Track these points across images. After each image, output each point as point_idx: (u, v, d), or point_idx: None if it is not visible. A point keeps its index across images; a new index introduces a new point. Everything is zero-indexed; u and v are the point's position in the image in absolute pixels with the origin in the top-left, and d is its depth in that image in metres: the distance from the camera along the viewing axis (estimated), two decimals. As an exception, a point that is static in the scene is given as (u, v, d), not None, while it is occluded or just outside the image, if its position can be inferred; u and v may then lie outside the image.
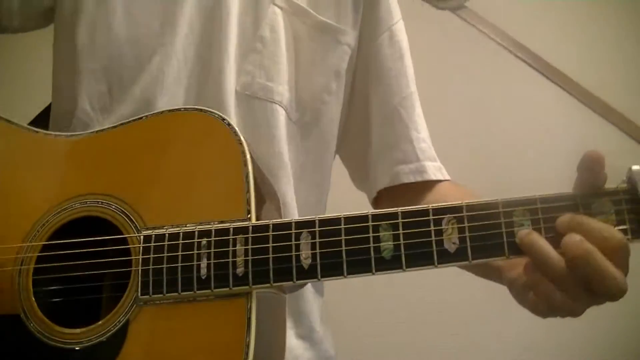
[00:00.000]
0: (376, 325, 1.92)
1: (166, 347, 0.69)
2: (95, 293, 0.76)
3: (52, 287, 0.75)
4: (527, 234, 0.65)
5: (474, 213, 0.67)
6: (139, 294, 0.70)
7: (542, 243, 0.64)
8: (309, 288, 0.94)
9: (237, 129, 0.75)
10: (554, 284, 0.63)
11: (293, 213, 0.89)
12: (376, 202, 1.00)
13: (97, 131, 0.80)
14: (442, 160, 0.99)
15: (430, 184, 0.96)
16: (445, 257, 0.66)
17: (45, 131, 0.82)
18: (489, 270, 0.76)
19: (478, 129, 2.11)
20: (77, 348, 0.71)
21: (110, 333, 0.70)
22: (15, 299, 0.74)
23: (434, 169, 0.96)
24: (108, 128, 0.80)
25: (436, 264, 0.66)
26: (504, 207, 0.67)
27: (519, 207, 0.67)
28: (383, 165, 0.98)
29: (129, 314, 0.70)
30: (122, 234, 0.74)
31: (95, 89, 0.87)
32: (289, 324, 0.92)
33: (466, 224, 0.67)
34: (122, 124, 0.80)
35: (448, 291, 1.92)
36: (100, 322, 0.71)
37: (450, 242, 0.67)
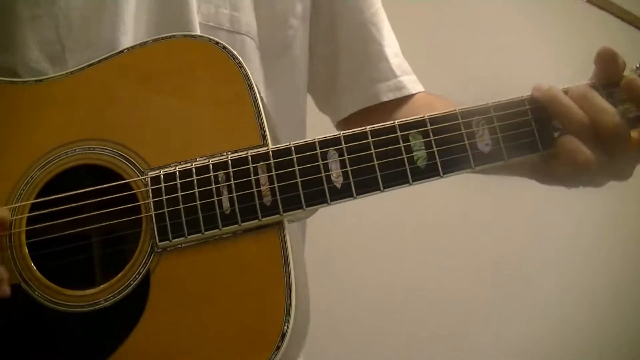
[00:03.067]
0: (375, 325, 1.85)
1: (198, 291, 0.63)
2: (99, 250, 0.68)
3: (51, 249, 0.66)
4: (547, 88, 0.66)
5: (501, 113, 0.66)
6: (157, 241, 0.64)
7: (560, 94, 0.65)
8: None
9: (234, 51, 0.69)
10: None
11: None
12: (344, 124, 0.96)
13: (70, 72, 0.71)
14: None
15: (406, 98, 0.93)
16: (481, 159, 0.65)
17: (6, 79, 0.72)
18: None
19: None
20: (93, 309, 0.64)
21: (130, 287, 0.64)
22: (10, 267, 0.65)
23: (411, 83, 0.93)
24: (83, 67, 0.71)
25: (473, 166, 0.65)
26: (530, 104, 0.66)
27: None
28: (357, 85, 0.93)
29: (149, 264, 0.64)
30: (124, 180, 0.66)
31: (41, 37, 0.77)
32: None
33: (496, 124, 0.65)
34: (99, 61, 0.71)
35: (448, 291, 1.88)
36: (115, 279, 0.64)
37: (483, 143, 0.65)
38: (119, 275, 0.64)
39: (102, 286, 0.64)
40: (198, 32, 0.80)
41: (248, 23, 0.84)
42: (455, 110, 0.66)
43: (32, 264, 0.65)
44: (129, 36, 0.77)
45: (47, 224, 0.66)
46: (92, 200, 0.66)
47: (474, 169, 0.65)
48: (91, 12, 0.77)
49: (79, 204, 0.66)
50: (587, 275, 1.90)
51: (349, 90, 0.94)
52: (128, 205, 0.66)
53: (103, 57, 0.71)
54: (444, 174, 0.65)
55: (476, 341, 1.91)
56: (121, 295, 0.64)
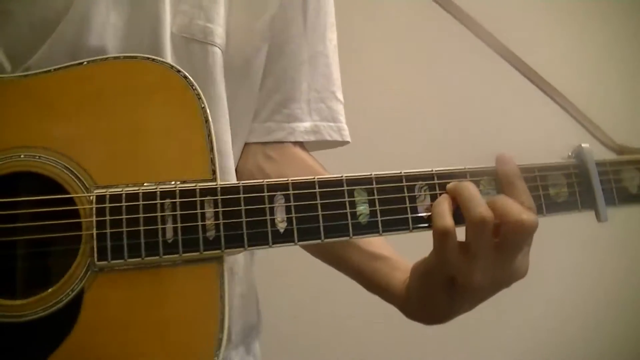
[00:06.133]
0: (374, 325, 1.83)
1: (130, 317, 0.64)
2: (35, 260, 0.67)
3: None
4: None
5: (443, 181, 0.70)
6: (95, 260, 0.64)
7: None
8: None
9: (193, 81, 0.70)
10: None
11: (229, 162, 0.84)
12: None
13: (25, 75, 0.70)
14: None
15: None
16: (420, 222, 0.69)
17: None
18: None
19: (464, 137, 1.99)
20: (17, 321, 0.63)
21: (62, 303, 0.63)
22: None
23: (330, 130, 0.93)
24: (40, 72, 0.69)
25: (411, 228, 0.69)
26: (471, 177, 0.70)
27: (484, 176, 0.71)
28: (278, 117, 0.92)
29: (84, 282, 0.64)
30: (68, 193, 0.66)
31: (13, 32, 0.75)
32: None
33: (437, 192, 0.69)
34: (57, 68, 0.70)
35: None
36: (49, 291, 0.64)
37: (423, 208, 0.69)
38: (51, 289, 0.64)
39: (31, 298, 0.64)
40: (168, 44, 0.79)
41: (220, 35, 0.83)
42: (400, 172, 0.69)
43: None
44: (93, 42, 0.75)
45: (-19, 228, 0.65)
46: (31, 210, 0.65)
47: (411, 231, 0.69)
48: (63, 11, 0.74)
49: (16, 212, 0.65)
50: (587, 275, 1.95)
51: (268, 118, 0.93)
52: (69, 221, 0.65)
53: (62, 65, 0.70)
54: (383, 232, 0.68)
55: (477, 342, 1.94)
56: (50, 310, 0.63)
